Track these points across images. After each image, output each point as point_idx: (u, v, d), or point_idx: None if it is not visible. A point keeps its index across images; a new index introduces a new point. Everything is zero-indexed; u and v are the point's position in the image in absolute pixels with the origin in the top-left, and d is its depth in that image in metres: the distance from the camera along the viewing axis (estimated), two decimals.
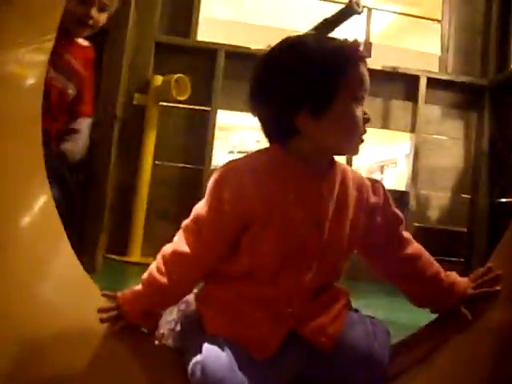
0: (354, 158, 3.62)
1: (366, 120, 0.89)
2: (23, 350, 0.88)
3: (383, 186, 0.97)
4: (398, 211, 0.97)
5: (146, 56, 3.40)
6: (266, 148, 0.94)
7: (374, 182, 0.97)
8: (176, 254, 0.90)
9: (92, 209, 2.62)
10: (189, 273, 0.92)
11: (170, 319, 1.01)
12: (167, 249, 0.92)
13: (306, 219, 0.88)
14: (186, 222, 0.92)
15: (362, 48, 0.89)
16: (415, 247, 0.96)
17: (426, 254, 0.97)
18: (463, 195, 3.81)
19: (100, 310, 0.94)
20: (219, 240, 0.90)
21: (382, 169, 9.88)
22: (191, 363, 0.84)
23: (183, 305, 1.00)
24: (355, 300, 1.01)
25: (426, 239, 3.58)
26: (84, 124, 1.95)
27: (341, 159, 0.97)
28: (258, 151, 0.94)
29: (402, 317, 2.39)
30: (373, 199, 0.94)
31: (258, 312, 0.88)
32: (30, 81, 1.13)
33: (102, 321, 0.93)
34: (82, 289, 1.07)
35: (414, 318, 2.39)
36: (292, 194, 0.88)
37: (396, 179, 8.96)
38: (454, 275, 0.96)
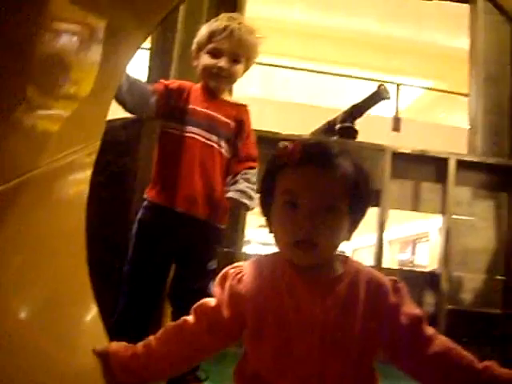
0: (385, 233, 3.63)
1: None
2: None
3: (404, 286, 0.97)
4: (419, 309, 0.96)
5: None
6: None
7: (395, 282, 0.97)
8: (177, 324, 1.00)
9: None
10: (180, 344, 0.98)
11: None
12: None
13: (302, 325, 0.90)
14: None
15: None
16: (442, 344, 0.93)
17: (454, 349, 0.93)
18: (497, 277, 3.75)
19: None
20: (219, 326, 0.97)
21: (414, 243, 9.77)
22: None
23: None
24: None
25: (459, 322, 3.50)
26: None
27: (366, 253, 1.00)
28: (271, 254, 1.00)
29: None
30: (392, 299, 0.93)
31: None
32: (74, 196, 1.18)
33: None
34: None
35: None
36: (286, 299, 0.91)
37: (429, 255, 8.84)
38: (492, 366, 0.92)
